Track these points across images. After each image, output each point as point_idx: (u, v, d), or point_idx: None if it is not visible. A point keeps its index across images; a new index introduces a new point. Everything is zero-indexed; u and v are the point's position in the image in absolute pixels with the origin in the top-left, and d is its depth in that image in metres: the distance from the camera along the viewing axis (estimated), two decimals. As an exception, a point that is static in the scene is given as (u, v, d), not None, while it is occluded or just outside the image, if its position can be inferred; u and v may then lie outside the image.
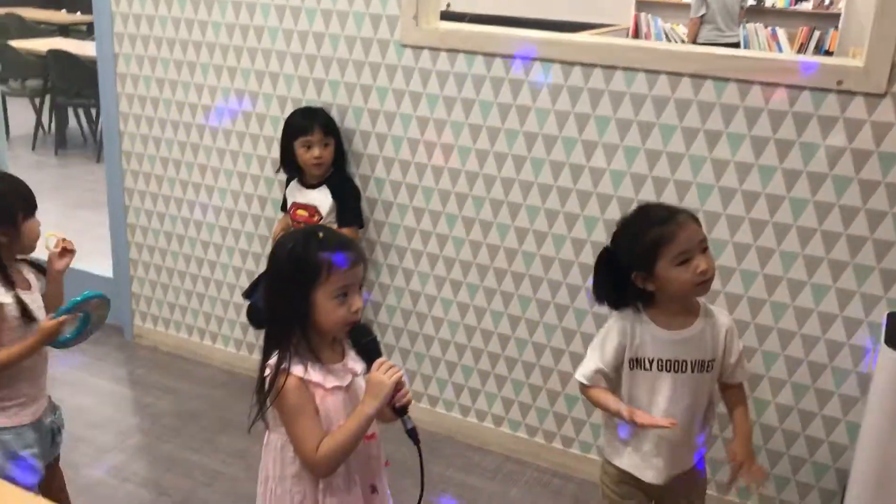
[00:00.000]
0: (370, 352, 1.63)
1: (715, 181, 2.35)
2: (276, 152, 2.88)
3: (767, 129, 2.27)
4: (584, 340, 2.62)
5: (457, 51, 2.58)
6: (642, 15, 7.50)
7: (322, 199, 2.73)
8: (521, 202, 2.62)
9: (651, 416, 1.78)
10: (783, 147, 2.26)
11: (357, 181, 2.84)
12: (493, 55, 2.54)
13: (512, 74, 2.53)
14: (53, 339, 1.93)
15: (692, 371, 1.87)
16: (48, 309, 2.00)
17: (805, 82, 2.19)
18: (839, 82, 2.16)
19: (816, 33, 6.94)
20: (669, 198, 2.41)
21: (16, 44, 6.41)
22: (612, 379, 1.90)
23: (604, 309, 1.94)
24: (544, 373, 2.74)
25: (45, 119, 6.67)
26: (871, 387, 2.06)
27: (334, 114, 2.81)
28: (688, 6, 6.68)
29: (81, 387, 3.16)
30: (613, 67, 2.40)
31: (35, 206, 1.99)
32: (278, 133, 2.82)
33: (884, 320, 2.12)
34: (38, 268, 2.06)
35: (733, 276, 2.40)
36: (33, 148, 6.52)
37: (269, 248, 3.04)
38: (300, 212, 2.77)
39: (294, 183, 2.81)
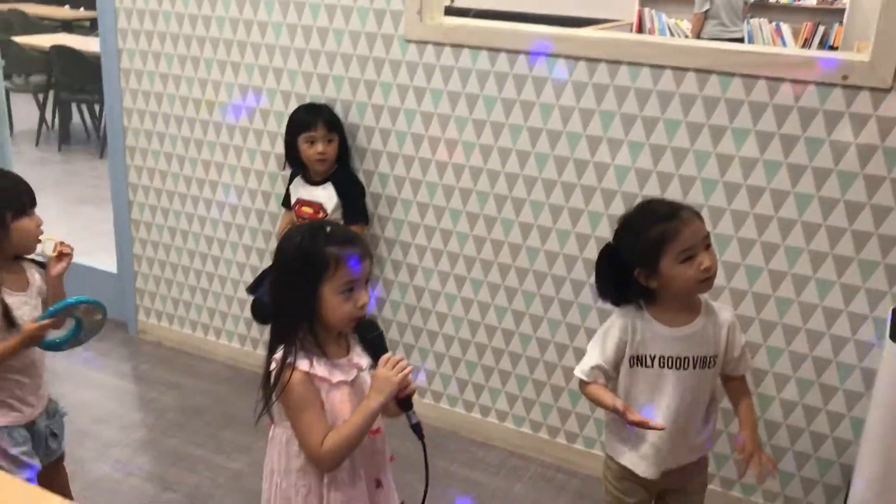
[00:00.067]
0: (376, 347, 1.63)
1: (720, 176, 2.35)
2: (279, 148, 2.88)
3: (772, 124, 2.26)
4: (589, 336, 2.62)
5: (461, 46, 2.58)
6: (646, 10, 7.48)
7: (327, 195, 2.73)
8: (525, 197, 2.62)
9: (641, 416, 1.78)
10: (788, 142, 2.26)
11: (361, 176, 2.84)
12: (497, 50, 2.53)
13: (516, 70, 2.52)
14: (36, 341, 1.92)
15: (694, 368, 1.86)
16: None
17: (811, 77, 2.18)
18: (845, 77, 2.15)
19: (821, 28, 6.92)
20: (674, 193, 2.41)
21: (19, 39, 6.42)
22: (611, 376, 1.90)
23: (608, 304, 1.94)
24: (548, 368, 2.74)
25: (48, 115, 6.67)
26: (876, 382, 2.07)
27: (338, 109, 2.81)
28: (691, 1, 6.66)
29: (86, 382, 3.17)
30: (618, 62, 2.39)
31: (25, 205, 1.94)
32: (282, 128, 2.82)
33: (889, 315, 2.12)
34: (44, 268, 2.05)
35: (738, 271, 2.39)
36: (37, 144, 6.52)
37: (272, 245, 3.05)
38: (305, 208, 2.77)
39: (298, 179, 2.81)
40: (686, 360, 1.86)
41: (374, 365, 1.64)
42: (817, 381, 2.38)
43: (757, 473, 1.86)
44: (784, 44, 7.02)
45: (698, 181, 2.38)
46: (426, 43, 2.62)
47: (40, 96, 6.62)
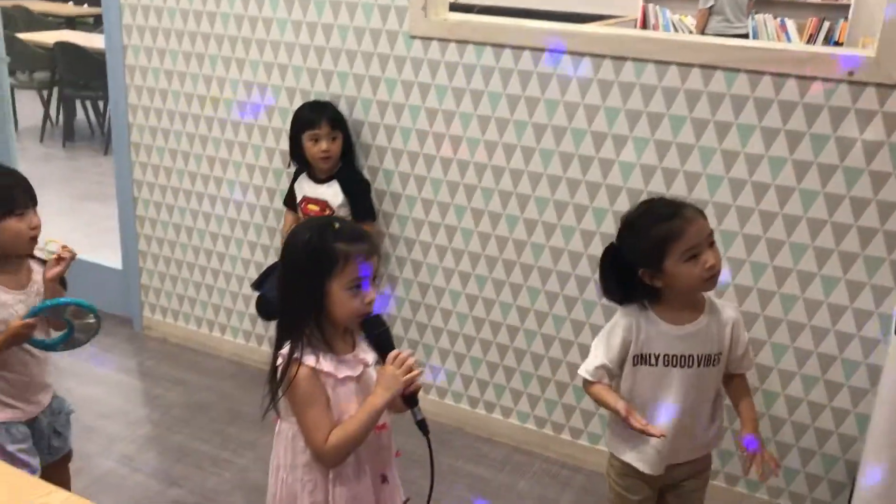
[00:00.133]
0: (383, 343, 1.63)
1: (725, 172, 2.35)
2: (284, 144, 2.89)
3: (778, 120, 2.26)
4: (593, 332, 2.62)
5: (466, 42, 2.58)
6: (650, 6, 7.46)
7: (332, 193, 2.73)
8: (530, 193, 2.62)
9: (643, 423, 1.77)
10: (794, 138, 2.25)
11: (366, 173, 2.84)
12: (502, 46, 2.53)
13: (521, 66, 2.52)
14: (20, 339, 1.90)
15: (699, 366, 1.86)
16: None
17: (819, 73, 2.17)
18: (850, 73, 2.15)
19: (826, 24, 6.90)
20: (679, 189, 2.41)
21: (23, 36, 6.42)
22: (616, 374, 1.90)
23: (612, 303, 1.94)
24: (553, 364, 2.74)
25: (52, 111, 6.68)
26: (882, 378, 2.06)
27: (343, 105, 2.81)
28: (696, -3, 6.65)
29: (91, 377, 3.18)
30: (623, 58, 2.39)
31: (13, 206, 1.90)
32: (287, 125, 2.82)
33: (894, 312, 2.12)
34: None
35: (743, 267, 2.39)
36: (41, 140, 6.54)
37: (277, 241, 3.06)
38: (311, 206, 2.77)
39: (303, 177, 2.81)
40: (690, 359, 1.86)
41: (379, 361, 1.65)
42: (822, 377, 2.38)
43: (760, 472, 1.85)
44: (789, 39, 7.00)
45: (703, 177, 2.38)
46: (431, 39, 2.62)
47: (44, 93, 6.63)
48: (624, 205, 2.46)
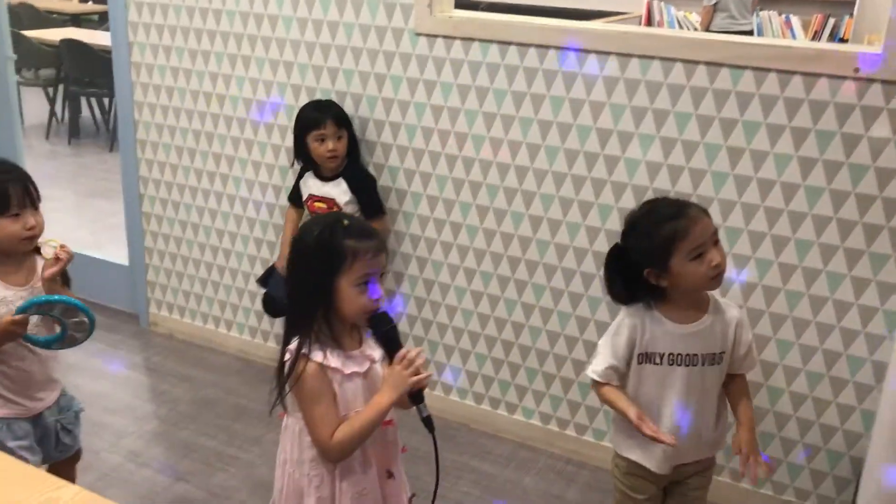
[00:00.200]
0: (390, 340, 1.64)
1: (730, 169, 2.35)
2: (289, 141, 2.89)
3: (783, 117, 2.26)
4: (598, 328, 2.63)
5: (471, 39, 2.58)
6: (655, 3, 7.45)
7: (339, 191, 2.74)
8: (535, 190, 2.62)
9: (655, 429, 1.78)
10: (799, 135, 2.26)
11: (371, 170, 2.85)
12: (507, 43, 2.54)
13: (526, 63, 2.52)
14: (11, 335, 1.89)
15: (703, 364, 1.87)
16: None
17: (828, 70, 2.17)
18: (856, 70, 2.15)
19: (831, 20, 6.88)
20: (684, 186, 2.41)
21: (29, 33, 6.44)
22: (624, 374, 1.90)
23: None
24: (558, 361, 2.75)
25: (58, 108, 6.69)
26: (887, 375, 2.07)
27: (348, 103, 2.82)
28: (701, -6, 6.64)
29: (98, 373, 3.19)
30: (629, 55, 2.39)
31: (6, 206, 1.89)
32: (292, 122, 2.83)
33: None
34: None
35: (748, 264, 2.40)
36: (47, 137, 6.55)
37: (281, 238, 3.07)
38: (318, 204, 2.78)
39: (309, 175, 2.81)
40: (695, 357, 1.86)
41: (386, 357, 1.66)
42: (827, 373, 2.38)
43: (753, 474, 1.85)
44: (794, 36, 6.98)
45: (709, 174, 2.38)
46: (436, 36, 2.63)
47: (50, 90, 6.65)
48: (629, 201, 2.47)
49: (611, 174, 2.51)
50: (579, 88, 2.48)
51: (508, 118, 2.60)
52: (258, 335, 3.33)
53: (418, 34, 2.65)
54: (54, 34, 6.46)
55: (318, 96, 2.87)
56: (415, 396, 1.63)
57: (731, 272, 2.37)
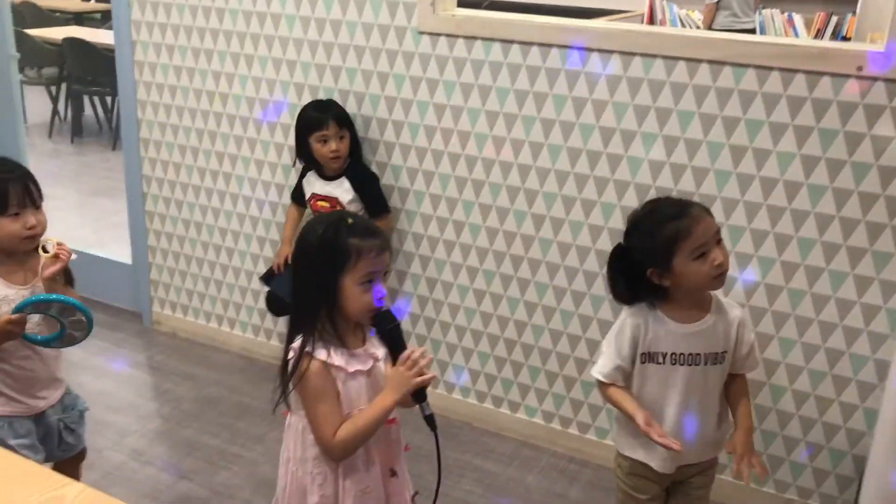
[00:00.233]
0: (394, 338, 1.64)
1: (733, 168, 2.35)
2: (292, 140, 2.89)
3: (786, 115, 2.26)
4: (601, 326, 2.63)
5: (474, 37, 2.58)
6: (657, 1, 7.44)
7: (342, 190, 2.74)
8: (538, 189, 2.62)
9: (662, 433, 1.78)
10: (802, 133, 2.25)
11: (374, 168, 2.85)
12: (510, 42, 2.54)
13: (529, 61, 2.53)
14: (9, 335, 1.89)
15: (705, 364, 1.87)
16: None
17: (831, 69, 2.17)
18: (859, 68, 2.14)
19: (834, 18, 6.87)
20: (687, 184, 2.41)
21: (32, 32, 6.44)
22: (629, 374, 1.90)
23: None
24: (561, 359, 2.75)
25: (61, 107, 6.70)
26: (890, 373, 2.06)
27: (351, 101, 2.82)
28: (703, -8, 6.63)
29: (102, 372, 3.20)
30: (632, 54, 2.39)
31: (5, 206, 1.89)
32: (294, 121, 2.83)
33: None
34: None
35: (750, 262, 2.40)
36: (49, 136, 6.56)
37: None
38: (321, 203, 2.78)
39: (311, 174, 2.81)
40: (697, 357, 1.86)
41: (389, 355, 1.66)
42: (830, 372, 2.38)
43: (745, 475, 1.84)
44: (796, 34, 6.97)
45: (711, 173, 2.38)
46: (439, 34, 2.63)
47: (53, 89, 6.66)
48: (632, 200, 2.47)
49: (613, 172, 2.51)
50: (582, 87, 2.48)
51: (511, 116, 2.60)
52: (261, 333, 3.34)
53: (421, 32, 2.65)
54: (57, 33, 6.47)
55: (321, 95, 2.87)
56: (418, 395, 1.63)
57: (733, 270, 2.37)
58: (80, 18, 7.93)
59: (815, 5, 6.97)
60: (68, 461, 2.18)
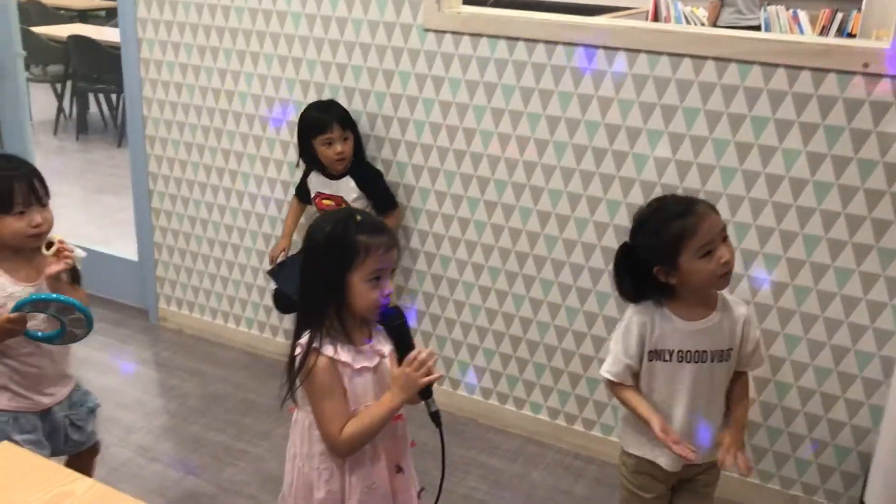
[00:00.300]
0: (401, 336, 1.65)
1: (738, 164, 2.35)
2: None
3: (792, 112, 2.26)
4: (607, 323, 2.64)
5: (479, 35, 2.59)
6: (662, -2, 7.43)
7: (347, 188, 2.75)
8: (543, 185, 2.63)
9: (677, 438, 1.78)
10: (808, 130, 2.25)
11: (379, 165, 2.86)
12: (515, 39, 2.54)
13: (534, 58, 2.53)
14: (10, 332, 1.89)
15: (712, 361, 1.87)
16: None
17: (837, 66, 2.17)
18: (865, 65, 2.14)
19: (839, 15, 6.85)
20: (693, 181, 2.41)
21: (37, 30, 6.46)
22: (637, 372, 1.90)
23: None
24: (566, 356, 2.75)
25: (66, 104, 6.71)
26: None
27: (356, 99, 2.83)
28: (708, -11, 6.62)
29: (108, 368, 3.21)
30: (637, 51, 2.39)
31: (9, 205, 1.90)
32: (297, 123, 2.82)
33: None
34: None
35: (756, 259, 2.40)
36: (55, 133, 6.58)
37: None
38: (326, 202, 2.79)
39: (315, 173, 2.82)
40: (704, 354, 1.86)
41: (396, 351, 1.66)
42: (835, 369, 2.38)
43: (727, 465, 1.84)
44: (801, 31, 6.96)
45: (717, 169, 2.38)
46: (444, 32, 2.63)
47: (58, 86, 6.67)
48: (637, 197, 2.47)
49: (619, 170, 2.51)
50: (588, 84, 2.48)
51: (517, 114, 2.60)
52: (266, 330, 3.35)
53: (427, 30, 2.66)
54: (62, 30, 6.48)
55: (327, 92, 2.87)
56: (424, 392, 1.63)
57: (738, 267, 2.37)
58: (84, 16, 7.95)
59: (820, 2, 6.96)
60: (81, 456, 2.18)
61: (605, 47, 2.43)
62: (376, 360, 1.68)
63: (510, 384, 2.89)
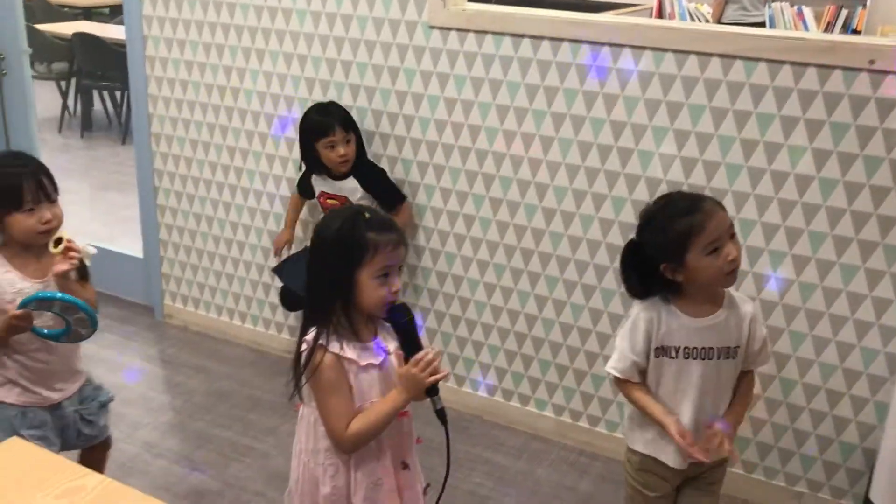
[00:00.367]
0: (409, 333, 1.65)
1: (744, 161, 2.35)
2: (303, 134, 2.90)
3: (797, 109, 2.26)
4: (611, 320, 2.64)
5: (484, 32, 2.59)
6: (666, -6, 7.42)
7: (351, 188, 2.76)
8: (548, 182, 2.63)
9: (693, 445, 1.78)
10: (813, 127, 2.25)
11: (385, 162, 2.86)
12: (520, 36, 2.54)
13: (540, 55, 2.53)
14: (16, 329, 1.90)
15: (718, 358, 1.87)
16: None
17: (842, 62, 2.17)
18: (871, 61, 2.14)
19: (844, 12, 6.83)
20: (698, 178, 2.41)
21: (41, 27, 6.46)
22: (644, 369, 1.91)
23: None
24: (571, 352, 2.76)
25: (70, 102, 6.72)
26: (901, 367, 2.07)
27: (361, 95, 2.83)
28: (712, -15, 6.61)
29: (114, 365, 3.22)
30: (642, 48, 2.39)
31: (18, 202, 1.90)
32: (298, 127, 2.83)
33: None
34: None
35: (762, 256, 2.40)
36: (59, 130, 6.59)
37: (296, 230, 3.08)
38: (330, 201, 2.80)
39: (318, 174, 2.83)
40: (710, 351, 1.86)
41: (402, 348, 1.67)
42: (841, 365, 2.39)
43: (708, 454, 1.82)
44: (806, 28, 6.94)
45: (723, 166, 2.38)
46: (449, 29, 2.63)
47: (62, 84, 6.68)
48: (643, 194, 2.47)
49: (624, 166, 2.51)
50: (593, 81, 2.48)
51: (522, 110, 2.60)
52: (272, 327, 3.35)
53: (432, 27, 2.66)
54: (66, 28, 6.48)
55: (332, 89, 2.88)
56: (430, 389, 1.64)
57: (745, 264, 2.37)
58: (88, 13, 7.95)
59: (825, -2, 6.94)
60: (94, 450, 2.20)
61: (610, 44, 2.43)
62: (382, 356, 1.68)
63: (515, 381, 2.89)
